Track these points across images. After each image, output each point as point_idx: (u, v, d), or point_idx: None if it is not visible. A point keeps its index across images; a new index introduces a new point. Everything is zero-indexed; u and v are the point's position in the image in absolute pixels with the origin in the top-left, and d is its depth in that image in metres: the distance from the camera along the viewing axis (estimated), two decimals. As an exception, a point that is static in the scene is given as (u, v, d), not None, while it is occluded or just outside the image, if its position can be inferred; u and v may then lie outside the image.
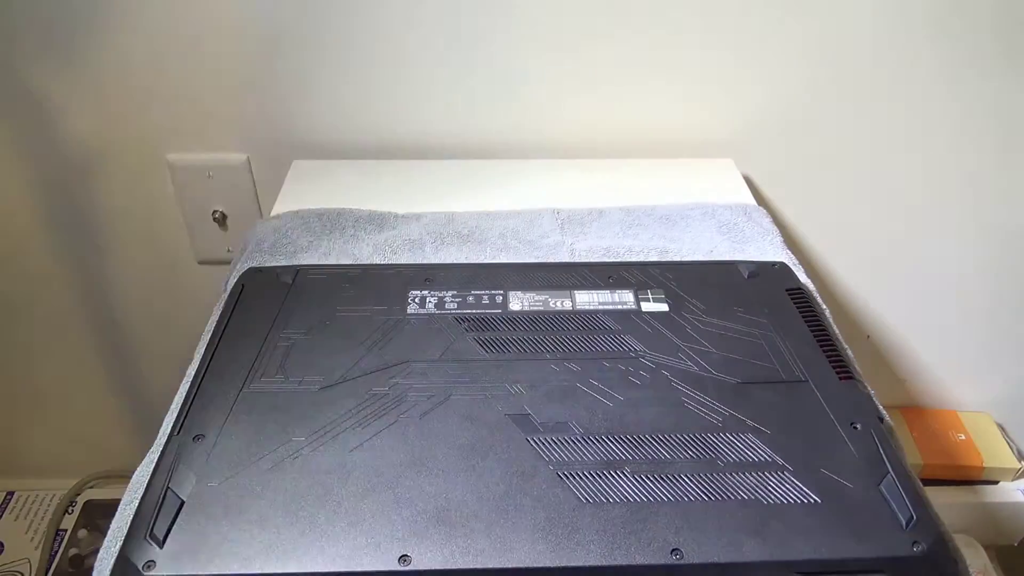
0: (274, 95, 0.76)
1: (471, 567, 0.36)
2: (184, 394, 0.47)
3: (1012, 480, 0.93)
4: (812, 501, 0.39)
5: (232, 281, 0.57)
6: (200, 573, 0.36)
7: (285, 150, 0.79)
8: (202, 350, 0.50)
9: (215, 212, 0.83)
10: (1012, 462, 0.92)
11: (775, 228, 0.67)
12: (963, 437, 0.95)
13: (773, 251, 0.63)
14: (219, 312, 0.53)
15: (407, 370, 0.47)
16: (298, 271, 0.56)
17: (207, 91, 0.76)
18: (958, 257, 0.88)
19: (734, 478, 0.40)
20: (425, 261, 0.61)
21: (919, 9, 0.72)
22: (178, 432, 0.43)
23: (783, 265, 0.58)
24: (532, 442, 0.42)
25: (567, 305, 0.53)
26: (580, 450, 0.42)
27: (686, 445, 0.42)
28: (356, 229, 0.65)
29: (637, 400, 0.45)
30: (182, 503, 0.39)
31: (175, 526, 0.38)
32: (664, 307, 0.53)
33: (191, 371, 0.50)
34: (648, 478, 0.40)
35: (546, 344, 0.49)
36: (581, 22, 0.72)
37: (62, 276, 0.88)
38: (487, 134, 0.79)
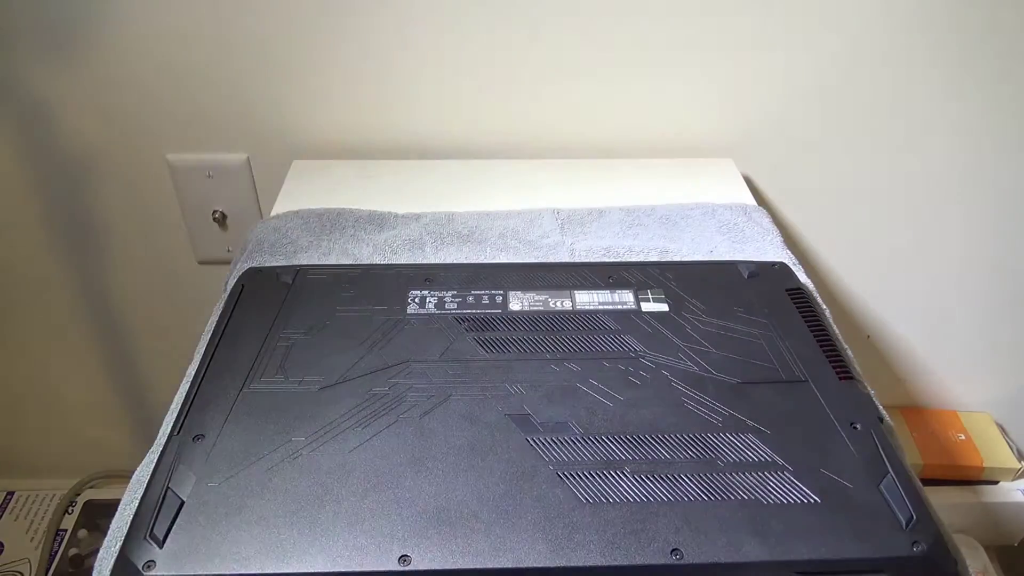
0: (274, 95, 0.76)
1: (471, 567, 0.36)
2: (184, 394, 0.47)
3: (1012, 480, 0.93)
4: (812, 501, 0.39)
5: (232, 281, 0.57)
6: (200, 573, 0.36)
7: (285, 150, 0.79)
8: (202, 350, 0.50)
9: (215, 212, 0.83)
10: (1012, 462, 0.92)
11: (775, 228, 0.67)
12: (963, 437, 0.95)
13: (773, 251, 0.63)
14: (219, 312, 0.53)
15: (407, 370, 0.47)
16: (298, 271, 0.56)
17: (207, 91, 0.76)
18: (958, 257, 0.88)
19: (734, 478, 0.40)
20: (425, 261, 0.61)
21: (919, 10, 0.72)
22: (178, 432, 0.43)
23: (783, 265, 0.58)
24: (532, 442, 0.42)
25: (567, 305, 0.53)
26: (580, 450, 0.42)
27: (686, 445, 0.42)
28: (356, 229, 0.65)
29: (637, 400, 0.45)
30: (182, 503, 0.39)
31: (175, 526, 0.38)
32: (664, 307, 0.53)
33: (191, 371, 0.50)
34: (648, 478, 0.40)
35: (546, 344, 0.49)
36: (581, 22, 0.72)
37: (62, 276, 0.88)
38: (487, 134, 0.79)
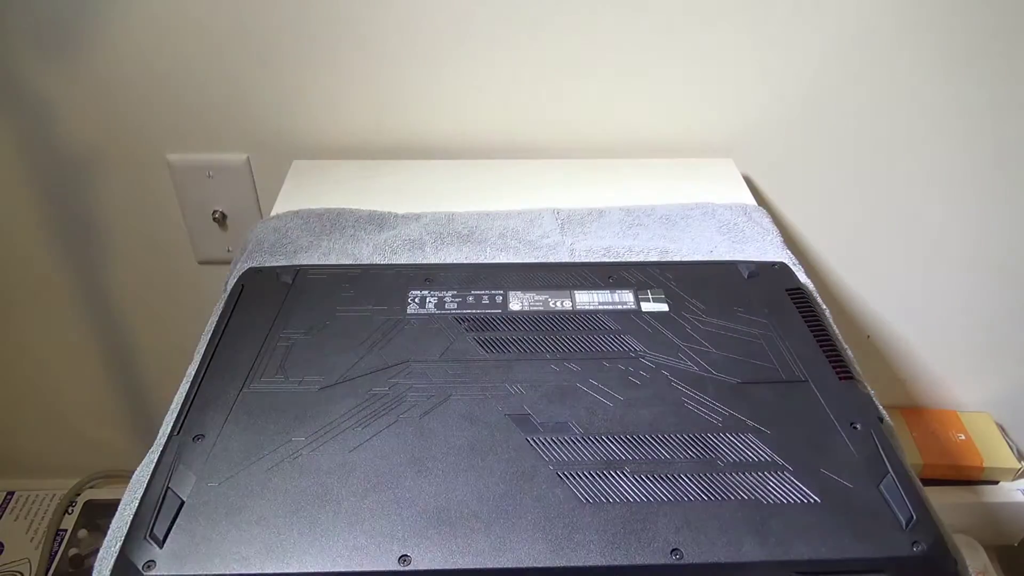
0: (274, 95, 0.76)
1: (471, 567, 0.36)
2: (184, 394, 0.47)
3: (1012, 480, 0.93)
4: (812, 501, 0.39)
5: (232, 281, 0.57)
6: (200, 573, 0.36)
7: (285, 150, 0.79)
8: (202, 350, 0.50)
9: (215, 212, 0.83)
10: (1012, 462, 0.92)
11: (775, 228, 0.67)
12: (963, 437, 0.95)
13: (773, 251, 0.63)
14: (219, 312, 0.53)
15: (407, 370, 0.47)
16: (298, 271, 0.56)
17: (207, 91, 0.76)
18: (958, 257, 0.88)
19: (734, 478, 0.40)
20: (425, 261, 0.61)
21: (919, 10, 0.72)
22: (178, 432, 0.43)
23: (783, 265, 0.58)
24: (532, 442, 0.42)
25: (567, 305, 0.53)
26: (580, 450, 0.42)
27: (686, 445, 0.42)
28: (356, 229, 0.65)
29: (637, 400, 0.45)
30: (182, 503, 0.39)
31: (175, 526, 0.38)
32: (664, 307, 0.53)
33: (191, 371, 0.50)
34: (648, 478, 0.40)
35: (546, 344, 0.49)
36: (581, 22, 0.72)
37: (62, 276, 0.88)
38: (487, 134, 0.79)
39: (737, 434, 0.43)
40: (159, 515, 0.38)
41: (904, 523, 0.38)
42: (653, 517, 0.38)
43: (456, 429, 0.43)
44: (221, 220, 0.84)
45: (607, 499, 0.39)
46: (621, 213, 0.68)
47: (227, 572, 0.36)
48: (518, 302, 0.53)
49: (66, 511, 1.03)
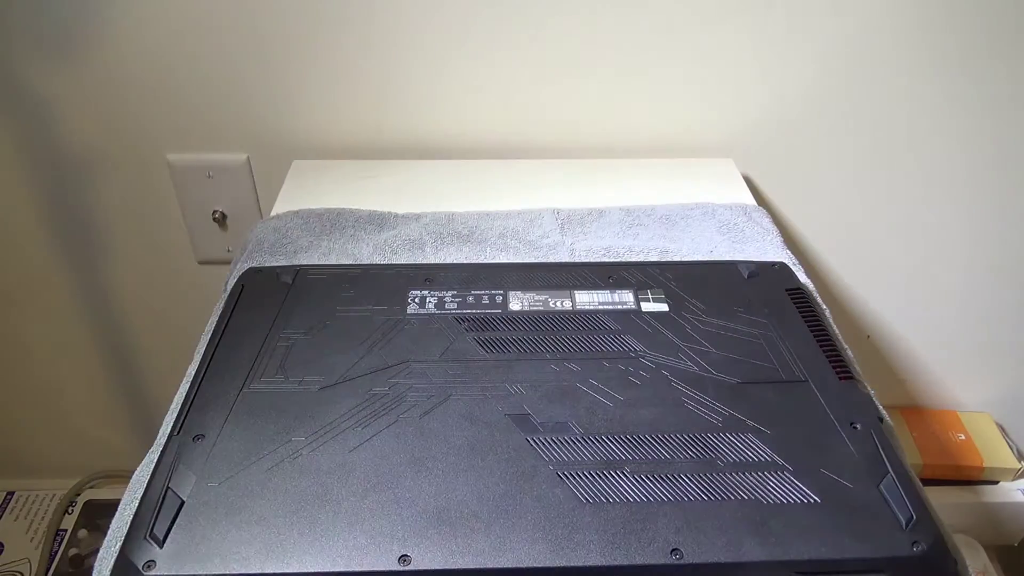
0: (274, 95, 0.76)
1: (471, 567, 0.36)
2: (184, 394, 0.47)
3: (1012, 480, 0.93)
4: (812, 501, 0.39)
5: (232, 281, 0.57)
6: (200, 573, 0.36)
7: (285, 150, 0.79)
8: (202, 350, 0.50)
9: (215, 212, 0.83)
10: (1012, 462, 0.92)
11: (775, 228, 0.67)
12: (963, 437, 0.95)
13: (773, 251, 0.63)
14: (219, 312, 0.53)
15: (407, 370, 0.47)
16: (298, 271, 0.56)
17: (207, 91, 0.76)
18: (958, 257, 0.88)
19: (734, 478, 0.40)
20: (425, 261, 0.61)
21: (918, 10, 0.72)
22: (178, 432, 0.43)
23: (783, 265, 0.58)
24: (532, 442, 0.42)
25: (567, 305, 0.53)
26: (580, 450, 0.42)
27: (686, 445, 0.42)
28: (356, 229, 0.65)
29: (637, 400, 0.45)
30: (182, 503, 0.39)
31: (175, 526, 0.38)
32: (664, 307, 0.53)
33: (191, 371, 0.50)
34: (648, 478, 0.40)
35: (546, 344, 0.49)
36: (581, 22, 0.72)
37: (62, 276, 0.88)
38: (487, 134, 0.79)
39: (737, 434, 0.43)
40: (159, 515, 0.38)
41: (904, 523, 0.38)
42: (653, 517, 0.38)
43: (456, 429, 0.43)
44: (221, 220, 0.84)
45: (607, 499, 0.39)
46: (621, 213, 0.68)
47: (227, 572, 0.36)
48: (518, 302, 0.53)
49: (66, 511, 1.03)
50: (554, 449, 0.42)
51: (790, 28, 0.73)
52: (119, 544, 0.38)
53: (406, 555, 0.36)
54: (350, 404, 0.44)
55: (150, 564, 0.36)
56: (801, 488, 0.40)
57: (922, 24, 0.72)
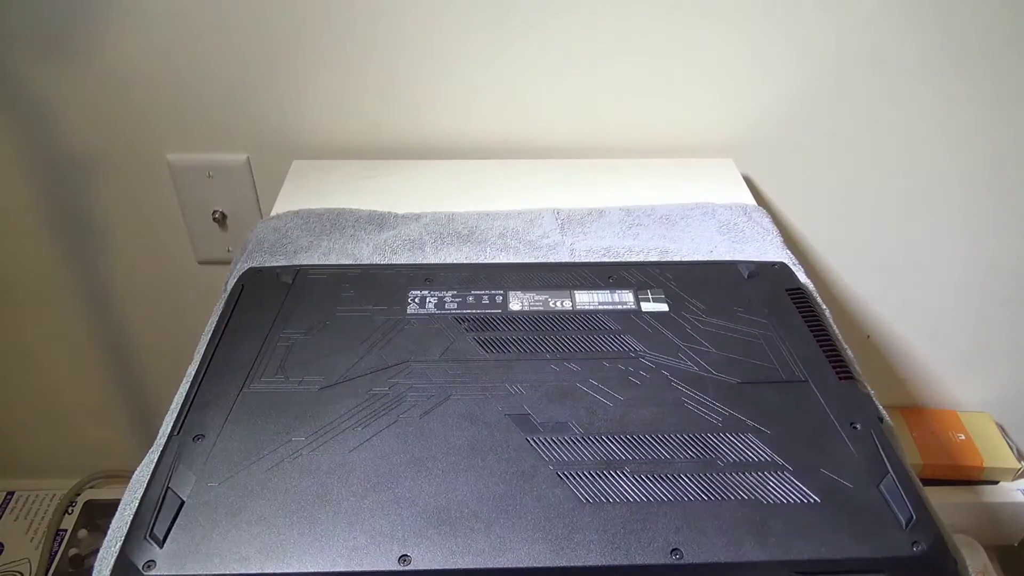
0: (274, 95, 0.76)
1: (471, 567, 0.36)
2: (184, 394, 0.47)
3: (1012, 480, 0.93)
4: (812, 501, 0.39)
5: (232, 281, 0.57)
6: (200, 573, 0.36)
7: (285, 150, 0.79)
8: (202, 350, 0.50)
9: (215, 212, 0.83)
10: (1012, 462, 0.92)
11: (775, 228, 0.67)
12: (963, 437, 0.95)
13: (773, 251, 0.63)
14: (219, 312, 0.53)
15: (407, 370, 0.47)
16: (298, 271, 0.56)
17: (207, 91, 0.76)
18: (958, 257, 0.88)
19: (734, 478, 0.40)
20: (425, 261, 0.61)
21: (919, 11, 0.72)
22: (178, 432, 0.43)
23: (783, 265, 0.58)
24: (532, 442, 0.42)
25: (567, 305, 0.53)
26: (580, 450, 0.42)
27: (686, 445, 0.42)
28: (356, 229, 0.65)
29: (637, 400, 0.45)
30: (182, 503, 0.39)
31: (175, 526, 0.38)
32: (664, 307, 0.53)
33: (191, 371, 0.50)
34: (648, 478, 0.40)
35: (546, 344, 0.49)
36: (581, 22, 0.72)
37: (62, 276, 0.88)
38: (487, 134, 0.79)
39: (737, 434, 0.43)
40: (159, 515, 0.38)
41: (904, 523, 0.38)
42: (653, 517, 0.38)
43: (456, 429, 0.43)
44: (221, 220, 0.84)
45: (607, 499, 0.39)
46: (621, 213, 0.68)
47: (227, 572, 0.36)
48: (518, 302, 0.53)
49: (66, 511, 1.03)
50: (554, 449, 0.42)
51: (790, 28, 0.73)
52: (119, 544, 0.38)
53: (406, 555, 0.36)
54: (350, 404, 0.44)
55: (150, 564, 0.36)
56: (801, 488, 0.40)
57: (922, 24, 0.72)
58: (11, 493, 1.06)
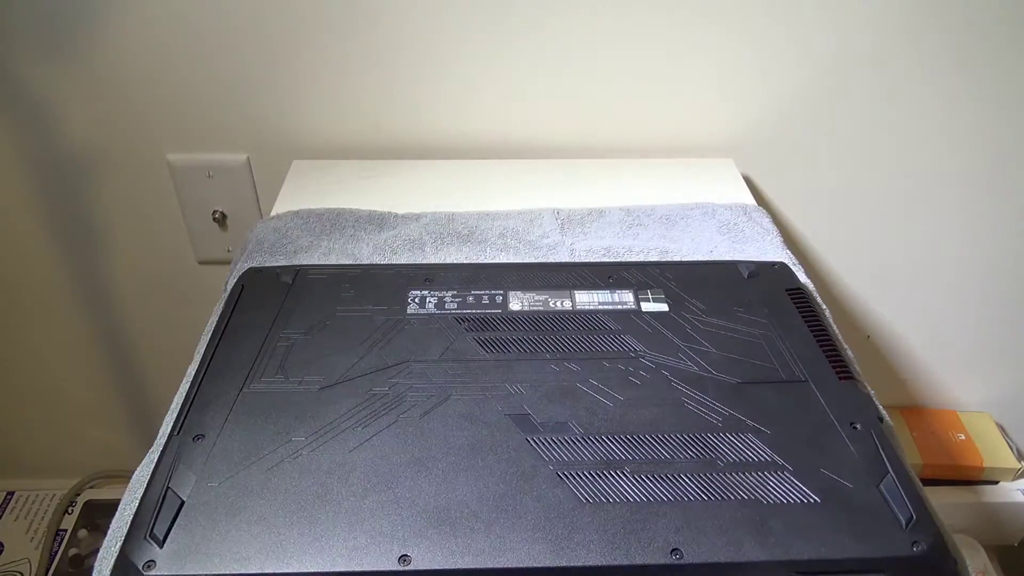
0: (274, 95, 0.76)
1: (471, 567, 0.36)
2: (184, 394, 0.47)
3: (1012, 480, 0.93)
4: (812, 501, 0.39)
5: (232, 281, 0.57)
6: (200, 573, 0.36)
7: (285, 150, 0.79)
8: (202, 350, 0.50)
9: (215, 212, 0.83)
10: (1012, 462, 0.92)
11: (775, 228, 0.67)
12: (963, 437, 0.95)
13: (773, 251, 0.63)
14: (219, 312, 0.53)
15: (407, 370, 0.47)
16: (298, 271, 0.56)
17: (207, 91, 0.76)
18: (958, 257, 0.88)
19: (734, 478, 0.40)
20: (425, 261, 0.61)
21: (919, 11, 0.72)
22: (178, 432, 0.43)
23: (783, 265, 0.58)
24: (532, 442, 0.42)
25: (567, 305, 0.53)
26: (580, 450, 0.42)
27: (686, 445, 0.42)
28: (356, 229, 0.65)
29: (637, 400, 0.45)
30: (182, 503, 0.39)
31: (175, 526, 0.38)
32: (664, 307, 0.53)
33: (191, 371, 0.50)
34: (648, 478, 0.40)
35: (546, 344, 0.49)
36: (581, 22, 0.72)
37: (62, 276, 0.88)
38: (487, 134, 0.79)
39: (737, 434, 0.43)
40: (159, 515, 0.38)
41: (904, 523, 0.38)
42: (653, 517, 0.38)
43: (456, 429, 0.43)
44: (221, 220, 0.84)
45: (607, 499, 0.39)
46: (621, 213, 0.68)
47: (227, 572, 0.36)
48: (518, 302, 0.53)
49: (66, 511, 1.03)
50: (554, 449, 0.42)
51: (790, 28, 0.73)
52: (119, 544, 0.38)
53: (406, 555, 0.36)
54: (350, 404, 0.44)
55: (150, 564, 0.36)
56: (801, 488, 0.40)
57: (923, 24, 0.72)
58: (11, 493, 1.06)
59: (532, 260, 0.61)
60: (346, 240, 0.64)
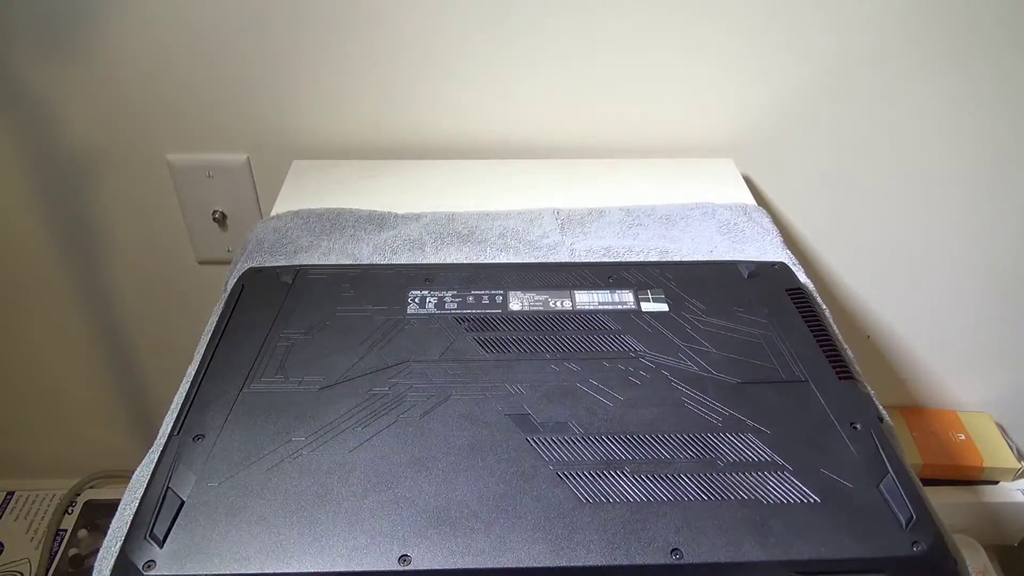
0: (274, 95, 0.76)
1: (471, 567, 0.36)
2: (184, 394, 0.47)
3: (1012, 480, 0.93)
4: (812, 501, 0.39)
5: (232, 281, 0.57)
6: (200, 573, 0.36)
7: (285, 150, 0.79)
8: (202, 350, 0.50)
9: (215, 212, 0.83)
10: (1012, 462, 0.92)
11: (775, 228, 0.67)
12: (963, 437, 0.95)
13: (773, 251, 0.63)
14: (219, 312, 0.53)
15: (407, 370, 0.47)
16: (298, 271, 0.56)
17: (207, 91, 0.76)
18: (958, 257, 0.88)
19: (734, 478, 0.40)
20: (425, 261, 0.61)
21: (918, 11, 0.72)
22: (178, 432, 0.43)
23: (783, 265, 0.58)
24: (532, 442, 0.42)
25: (567, 305, 0.53)
26: (580, 450, 0.42)
27: (686, 445, 0.42)
28: (356, 229, 0.65)
29: (637, 400, 0.45)
30: (182, 503, 0.39)
31: (175, 526, 0.38)
32: (664, 307, 0.53)
33: (191, 371, 0.50)
34: (648, 478, 0.40)
35: (546, 344, 0.49)
36: (582, 22, 0.72)
37: (62, 276, 0.88)
38: (487, 134, 0.79)
39: (737, 434, 0.43)
40: (159, 515, 0.38)
41: (904, 523, 0.38)
42: (653, 517, 0.38)
43: (456, 429, 0.43)
44: (221, 220, 0.84)
45: (607, 499, 0.39)
46: (621, 213, 0.68)
47: (227, 572, 0.36)
48: (518, 302, 0.53)
49: (66, 511, 1.03)
50: (554, 449, 0.42)
51: (790, 28, 0.73)
52: (119, 544, 0.38)
53: (406, 555, 0.36)
54: (350, 404, 0.44)
55: (150, 564, 0.36)
56: (801, 488, 0.40)
57: (922, 24, 0.72)
58: (11, 493, 1.06)
59: (532, 260, 0.61)
60: (346, 240, 0.64)
